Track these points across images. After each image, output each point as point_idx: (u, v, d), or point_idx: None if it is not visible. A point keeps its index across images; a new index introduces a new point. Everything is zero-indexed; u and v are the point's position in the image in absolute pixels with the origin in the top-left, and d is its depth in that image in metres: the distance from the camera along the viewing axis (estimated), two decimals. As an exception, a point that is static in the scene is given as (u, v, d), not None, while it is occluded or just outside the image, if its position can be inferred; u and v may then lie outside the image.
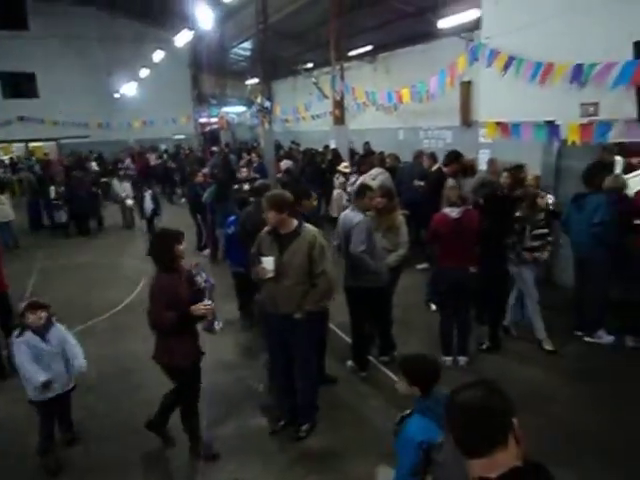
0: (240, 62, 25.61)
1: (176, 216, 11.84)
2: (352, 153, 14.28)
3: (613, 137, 6.18)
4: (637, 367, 4.77)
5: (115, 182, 12.94)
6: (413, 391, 2.45)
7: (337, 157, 11.89)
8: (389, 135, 16.47)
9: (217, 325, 3.73)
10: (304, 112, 17.14)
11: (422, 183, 8.17)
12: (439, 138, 15.08)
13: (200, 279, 3.68)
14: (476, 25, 9.49)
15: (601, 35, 5.92)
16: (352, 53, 16.51)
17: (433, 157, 8.49)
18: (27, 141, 24.08)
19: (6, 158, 22.68)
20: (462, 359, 5.01)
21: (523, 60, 6.70)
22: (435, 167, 8.20)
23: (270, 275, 3.73)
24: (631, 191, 5.91)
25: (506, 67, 6.94)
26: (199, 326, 3.75)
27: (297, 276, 3.71)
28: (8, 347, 4.37)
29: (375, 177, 8.08)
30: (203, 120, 27.18)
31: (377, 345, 5.24)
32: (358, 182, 8.57)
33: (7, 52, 21.15)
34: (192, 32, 14.35)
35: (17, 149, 24.47)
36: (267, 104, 16.38)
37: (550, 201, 7.25)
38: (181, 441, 3.89)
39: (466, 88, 12.91)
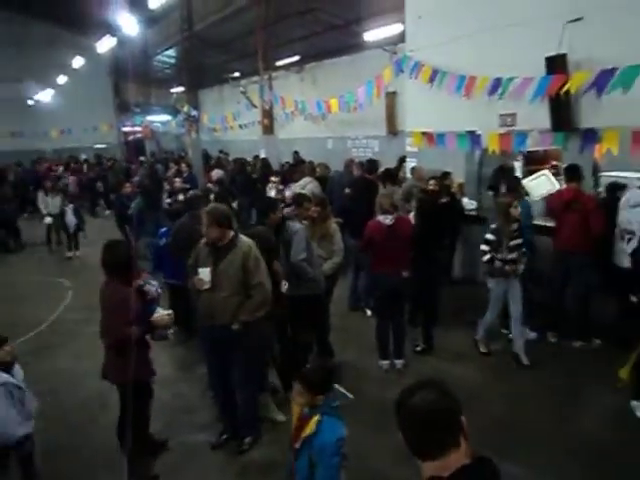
0: (165, 70, 25.01)
1: (102, 229, 11.33)
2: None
3: (529, 146, 6.64)
4: (559, 360, 5.09)
5: (40, 195, 11.28)
6: (316, 400, 2.59)
7: (267, 167, 11.88)
8: (318, 144, 16.68)
9: (170, 332, 3.69)
10: (232, 121, 17.01)
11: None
12: (367, 147, 15.45)
13: (151, 288, 3.66)
14: (400, 38, 9.86)
15: (518, 51, 6.34)
16: (279, 63, 16.60)
17: (362, 165, 8.69)
18: None
19: None
20: (399, 362, 5.15)
21: (446, 73, 7.03)
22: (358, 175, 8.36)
23: (206, 286, 3.70)
24: (533, 194, 6.34)
25: (431, 80, 7.26)
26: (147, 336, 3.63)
27: (232, 287, 3.68)
28: None
29: (304, 186, 8.15)
30: (126, 129, 26.22)
31: (315, 352, 5.27)
32: (289, 192, 8.66)
33: None
34: (114, 38, 13.87)
35: None
36: (194, 113, 16.13)
37: (472, 206, 7.69)
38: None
39: (391, 99, 13.34)
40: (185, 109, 16.67)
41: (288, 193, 8.77)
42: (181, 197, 8.58)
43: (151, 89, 25.15)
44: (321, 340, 5.23)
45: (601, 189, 6.57)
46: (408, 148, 8.81)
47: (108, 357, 3.57)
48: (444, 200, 6.67)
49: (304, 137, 17.41)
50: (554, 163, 7.69)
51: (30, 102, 22.77)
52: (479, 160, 8.29)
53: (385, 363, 5.14)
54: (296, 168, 11.58)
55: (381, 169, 7.60)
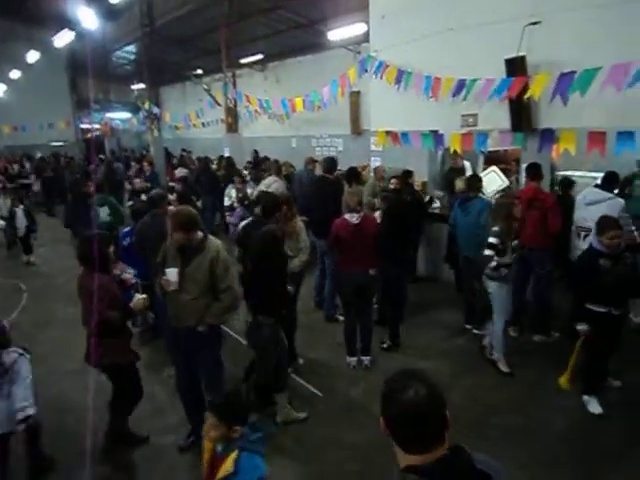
0: (125, 66, 24.43)
1: (58, 229, 10.95)
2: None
3: (490, 145, 6.80)
4: (520, 354, 5.23)
5: None
6: (232, 433, 2.33)
7: (231, 165, 11.77)
8: (282, 143, 16.65)
9: (151, 315, 3.95)
10: (195, 119, 16.76)
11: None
12: (331, 146, 15.53)
13: (128, 276, 3.84)
14: (365, 38, 9.93)
15: (480, 52, 6.47)
16: (243, 61, 16.48)
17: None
18: None
19: None
20: (366, 359, 5.19)
21: (411, 74, 7.11)
22: (319, 174, 8.36)
23: (173, 287, 3.61)
24: (485, 191, 6.51)
25: (398, 80, 7.31)
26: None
27: (199, 290, 3.61)
28: None
29: (269, 185, 8.12)
30: (85, 126, 25.48)
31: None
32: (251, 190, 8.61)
33: None
34: (72, 32, 13.47)
35: None
36: (155, 110, 15.84)
37: (436, 205, 7.82)
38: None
39: (356, 98, 13.43)
40: (146, 106, 16.33)
41: (250, 191, 8.72)
42: (143, 196, 8.41)
43: (111, 85, 24.50)
44: (288, 339, 5.22)
45: (557, 188, 6.81)
46: (372, 147, 8.88)
47: (93, 343, 3.58)
48: (408, 198, 6.76)
49: (268, 136, 17.35)
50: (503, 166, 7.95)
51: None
52: (441, 159, 8.45)
53: (352, 360, 5.18)
54: (260, 167, 11.56)
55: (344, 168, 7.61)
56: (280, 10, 13.79)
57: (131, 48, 21.44)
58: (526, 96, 5.71)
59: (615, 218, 4.27)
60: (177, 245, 3.65)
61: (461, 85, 6.27)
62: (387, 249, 5.17)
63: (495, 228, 4.74)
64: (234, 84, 13.92)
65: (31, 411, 3.30)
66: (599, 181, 5.72)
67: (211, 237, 3.75)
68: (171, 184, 11.02)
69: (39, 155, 21.13)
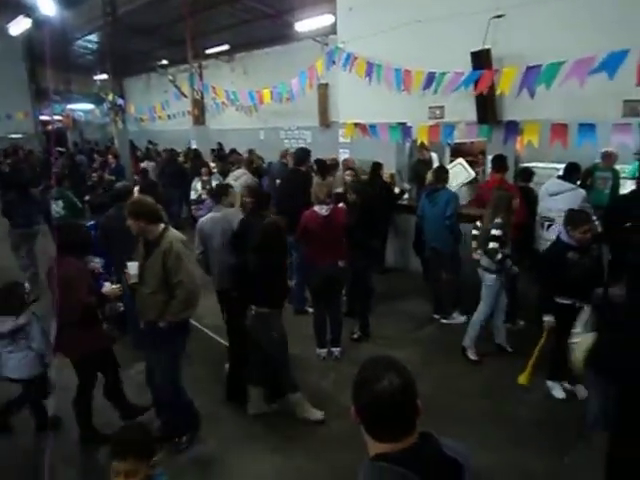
0: (87, 55, 23.69)
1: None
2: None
3: (456, 137, 6.89)
4: (486, 341, 5.33)
5: None
6: (151, 469, 2.12)
7: (198, 158, 11.61)
8: (250, 135, 16.49)
9: (119, 305, 3.96)
10: (161, 111, 16.45)
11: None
12: (299, 138, 15.47)
13: (97, 265, 3.97)
14: (332, 30, 9.89)
15: (447, 45, 6.53)
16: (210, 51, 16.22)
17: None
18: None
19: None
20: (336, 350, 5.21)
21: (381, 66, 7.12)
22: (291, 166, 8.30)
23: (132, 280, 3.62)
24: (451, 183, 6.59)
25: (368, 73, 7.30)
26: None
27: (156, 284, 3.54)
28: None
29: (238, 178, 8.05)
30: (45, 118, 24.66)
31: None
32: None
33: None
34: (29, 20, 12.99)
35: None
36: (120, 101, 15.50)
37: (405, 196, 7.89)
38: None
39: (324, 90, 13.40)
40: (110, 97, 15.94)
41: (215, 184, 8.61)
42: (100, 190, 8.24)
43: (72, 76, 23.75)
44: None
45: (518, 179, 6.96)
46: (341, 139, 8.88)
47: (65, 332, 3.58)
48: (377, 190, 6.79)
49: (236, 128, 17.16)
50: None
51: None
52: (409, 151, 8.52)
53: (322, 351, 5.19)
54: (227, 160, 11.44)
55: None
56: (246, 0, 13.62)
57: (93, 37, 20.79)
58: (497, 92, 5.80)
59: (587, 212, 4.37)
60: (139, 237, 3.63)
61: (431, 78, 6.32)
62: (356, 240, 5.19)
63: (497, 220, 4.75)
64: (200, 75, 13.69)
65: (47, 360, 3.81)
66: (562, 172, 5.86)
67: (172, 230, 3.65)
68: (137, 177, 10.83)
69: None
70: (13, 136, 22.52)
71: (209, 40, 15.52)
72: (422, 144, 7.60)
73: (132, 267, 3.62)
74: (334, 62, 8.40)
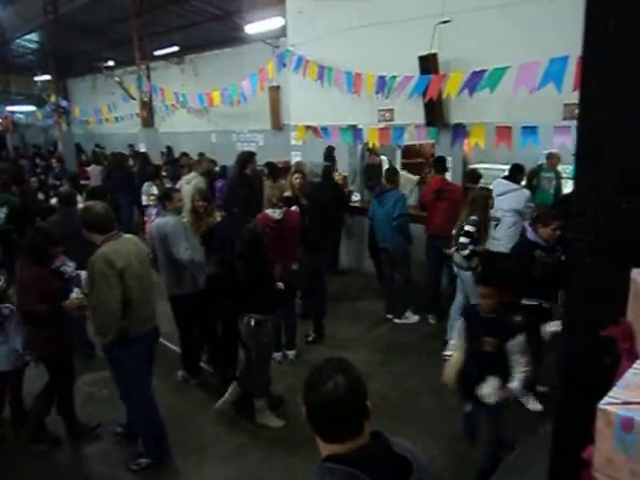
0: (27, 55, 22.70)
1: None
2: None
3: (406, 140, 7.01)
4: (439, 340, 5.44)
5: None
6: None
7: (146, 161, 11.30)
8: (202, 138, 16.22)
9: (87, 313, 3.77)
10: (108, 113, 15.96)
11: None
12: (251, 141, 15.33)
13: (68, 269, 3.85)
14: (282, 32, 9.87)
15: (395, 48, 6.62)
16: (158, 53, 15.85)
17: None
18: None
19: None
20: (291, 353, 5.19)
21: (332, 70, 7.16)
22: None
23: (86, 290, 3.59)
24: (405, 191, 6.72)
25: (320, 76, 7.33)
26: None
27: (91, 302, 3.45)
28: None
29: (190, 181, 7.91)
30: (-18, 120, 23.48)
31: (206, 351, 5.14)
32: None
33: None
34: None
35: None
36: (63, 103, 14.92)
37: (356, 198, 7.96)
38: None
39: (275, 93, 13.34)
40: (53, 99, 15.34)
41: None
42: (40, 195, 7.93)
43: (11, 76, 22.72)
44: (211, 339, 5.12)
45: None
46: (292, 142, 8.88)
47: (28, 332, 3.70)
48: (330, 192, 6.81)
49: (187, 131, 16.85)
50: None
51: None
52: (361, 153, 8.61)
53: (277, 355, 5.14)
54: (178, 163, 11.23)
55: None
56: (195, 1, 13.40)
57: (33, 36, 19.97)
58: (444, 95, 5.95)
59: (555, 210, 4.43)
60: None
61: (382, 82, 6.41)
62: (309, 243, 5.19)
63: (473, 217, 4.80)
64: (148, 77, 13.32)
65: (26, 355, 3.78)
66: (507, 173, 6.06)
67: (105, 245, 3.25)
68: (83, 182, 10.46)
69: None
70: (-53, 140, 21.37)
71: (158, 41, 15.14)
72: (371, 149, 7.70)
73: (83, 275, 3.61)
74: (285, 65, 8.39)
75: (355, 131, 7.27)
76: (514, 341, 2.95)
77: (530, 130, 5.64)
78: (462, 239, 4.82)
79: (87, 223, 3.33)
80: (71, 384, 3.98)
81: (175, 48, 16.09)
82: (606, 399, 1.13)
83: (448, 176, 6.19)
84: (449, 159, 6.27)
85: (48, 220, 5.19)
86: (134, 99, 14.37)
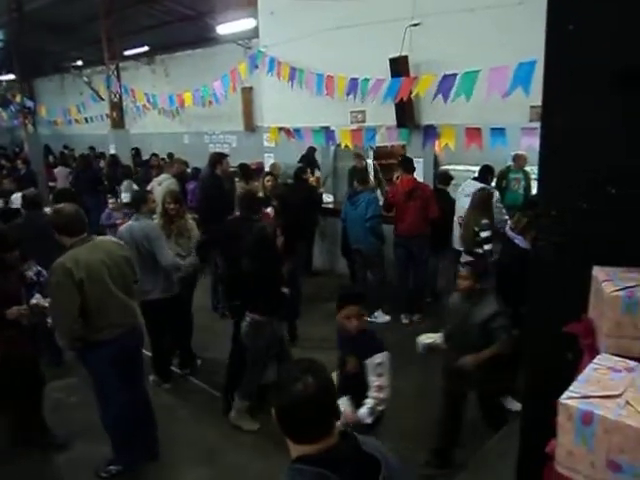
0: (-10, 54, 22.13)
1: None
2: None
3: (378, 141, 7.06)
4: (411, 340, 5.48)
5: None
6: None
7: (116, 163, 11.12)
8: (174, 139, 16.05)
9: (49, 320, 3.54)
10: (77, 114, 15.65)
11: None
12: (224, 142, 15.23)
13: (31, 273, 3.86)
14: (255, 33, 9.84)
15: (366, 51, 6.66)
16: (128, 53, 15.63)
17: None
18: None
19: None
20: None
21: (303, 71, 7.16)
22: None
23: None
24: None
25: (292, 78, 7.33)
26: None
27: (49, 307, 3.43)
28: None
29: (161, 182, 7.81)
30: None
31: (178, 355, 5.08)
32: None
33: None
34: None
35: None
36: (29, 104, 14.57)
37: (329, 199, 7.99)
38: None
39: (248, 94, 13.29)
40: (18, 99, 14.96)
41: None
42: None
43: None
44: (183, 345, 5.07)
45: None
46: (265, 143, 8.86)
47: None
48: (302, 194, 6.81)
49: (159, 132, 16.64)
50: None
51: None
52: (334, 155, 8.64)
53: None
54: (148, 165, 11.11)
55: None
56: (165, 0, 13.25)
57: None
58: (413, 95, 6.01)
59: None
60: None
61: (354, 84, 6.44)
62: (284, 245, 5.16)
63: (485, 221, 4.84)
64: (118, 77, 13.12)
65: None
66: (477, 174, 6.16)
67: (71, 251, 3.17)
68: (51, 184, 10.26)
69: None
70: None
71: (128, 41, 14.92)
72: (358, 153, 7.75)
73: None
74: (257, 66, 8.37)
75: (328, 132, 7.29)
76: (369, 361, 2.82)
77: (499, 132, 5.74)
78: (486, 247, 4.86)
79: (57, 225, 3.24)
80: (40, 391, 3.86)
81: (146, 48, 15.90)
82: (566, 394, 1.16)
83: (419, 178, 6.25)
84: (420, 160, 6.33)
85: (10, 224, 5.04)
86: (103, 99, 14.14)
